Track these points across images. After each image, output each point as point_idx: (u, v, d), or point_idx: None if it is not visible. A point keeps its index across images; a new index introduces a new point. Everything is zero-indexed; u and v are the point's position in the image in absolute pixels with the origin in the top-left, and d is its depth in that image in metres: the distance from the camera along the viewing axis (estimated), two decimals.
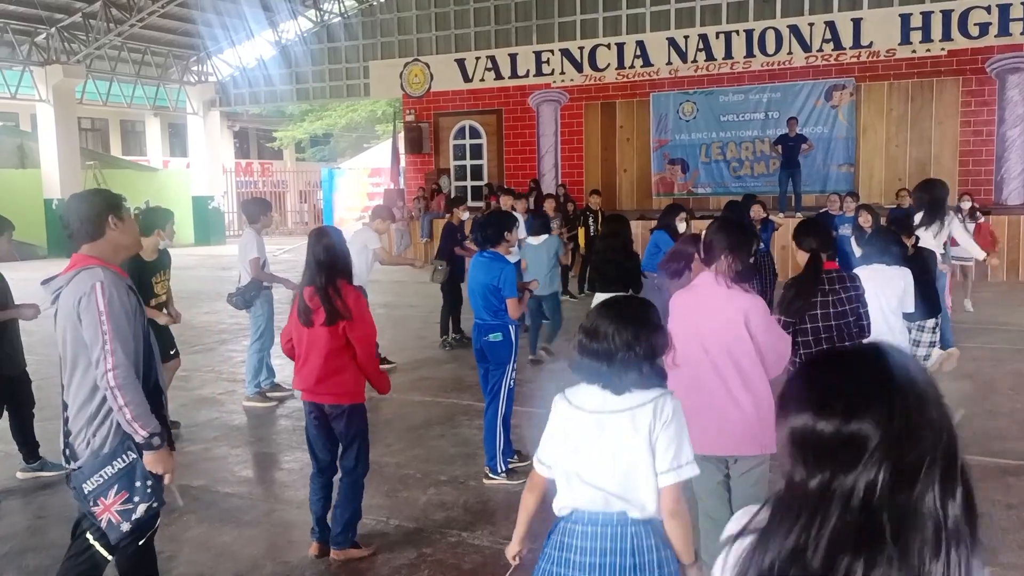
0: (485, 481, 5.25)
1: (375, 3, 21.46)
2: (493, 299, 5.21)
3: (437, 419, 6.71)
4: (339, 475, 4.27)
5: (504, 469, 5.25)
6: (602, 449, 2.36)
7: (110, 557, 3.09)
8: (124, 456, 2.97)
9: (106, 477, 2.95)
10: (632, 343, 2.32)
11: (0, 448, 5.54)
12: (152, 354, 3.13)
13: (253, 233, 7.21)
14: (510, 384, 5.28)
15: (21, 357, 5.52)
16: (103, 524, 2.98)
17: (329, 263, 4.10)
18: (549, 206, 12.18)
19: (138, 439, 2.93)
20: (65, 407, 3.05)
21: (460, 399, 7.31)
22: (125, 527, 2.98)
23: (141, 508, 2.99)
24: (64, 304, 2.94)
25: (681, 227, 7.99)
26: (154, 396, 3.07)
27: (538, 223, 8.83)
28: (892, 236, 5.45)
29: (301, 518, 4.76)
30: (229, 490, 5.31)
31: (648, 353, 2.35)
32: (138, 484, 2.97)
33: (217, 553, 4.37)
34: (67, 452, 3.04)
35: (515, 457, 5.41)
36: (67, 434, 3.03)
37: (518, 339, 5.35)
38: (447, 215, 10.55)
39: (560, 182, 18.42)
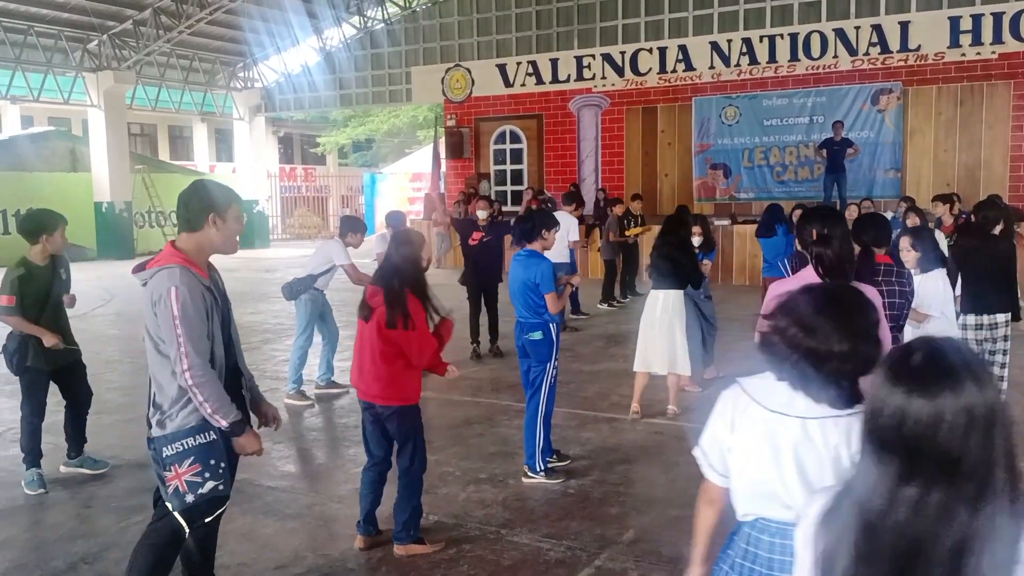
0: (524, 480, 5.24)
1: (418, 9, 21.65)
2: (532, 296, 5.21)
3: (477, 418, 6.72)
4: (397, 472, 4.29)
5: (543, 468, 5.23)
6: (807, 459, 1.99)
7: (188, 528, 3.19)
8: (206, 434, 3.12)
9: (185, 447, 3.09)
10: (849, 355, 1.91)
11: (49, 440, 5.65)
12: (232, 341, 3.30)
13: (341, 243, 7.60)
14: (551, 382, 5.27)
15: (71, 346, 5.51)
16: (170, 490, 3.12)
17: (402, 270, 4.11)
18: (619, 209, 13.13)
19: (222, 428, 3.09)
20: (151, 382, 3.20)
21: (500, 399, 7.32)
22: (189, 498, 3.11)
23: (209, 485, 3.12)
24: (146, 297, 3.10)
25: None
26: (234, 378, 3.28)
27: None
28: (926, 233, 5.40)
29: (342, 512, 4.81)
30: (272, 484, 5.37)
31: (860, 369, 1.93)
32: (212, 462, 3.12)
33: (260, 545, 4.43)
34: (152, 421, 3.18)
35: (554, 456, 5.38)
36: (155, 405, 3.17)
37: (559, 337, 5.34)
38: None
39: (600, 186, 18.36)
